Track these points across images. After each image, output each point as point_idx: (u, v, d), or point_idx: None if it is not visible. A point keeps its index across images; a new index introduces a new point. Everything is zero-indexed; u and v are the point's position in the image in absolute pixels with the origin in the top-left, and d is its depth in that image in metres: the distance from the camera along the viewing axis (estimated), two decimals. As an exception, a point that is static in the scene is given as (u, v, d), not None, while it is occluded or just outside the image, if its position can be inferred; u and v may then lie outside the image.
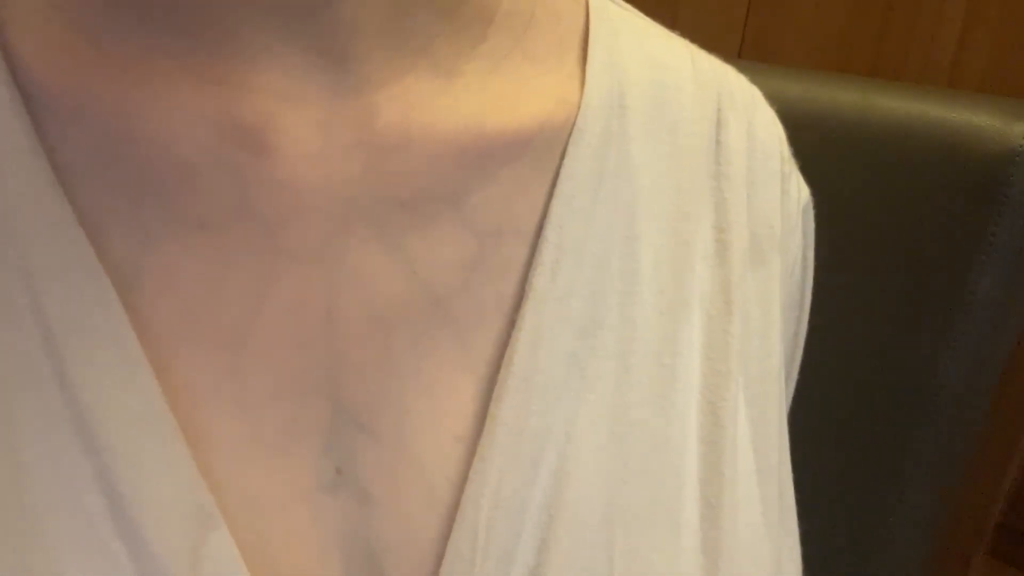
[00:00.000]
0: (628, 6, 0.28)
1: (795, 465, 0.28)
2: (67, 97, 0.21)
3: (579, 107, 0.25)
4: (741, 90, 0.28)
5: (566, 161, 0.24)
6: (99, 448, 0.19)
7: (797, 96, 0.48)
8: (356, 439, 0.21)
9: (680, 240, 0.25)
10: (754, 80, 0.30)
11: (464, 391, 0.22)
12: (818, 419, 0.44)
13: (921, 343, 0.45)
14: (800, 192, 0.29)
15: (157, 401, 0.19)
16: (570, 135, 0.24)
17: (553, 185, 0.24)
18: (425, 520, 0.21)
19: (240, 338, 0.21)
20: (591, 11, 0.27)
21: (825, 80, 0.49)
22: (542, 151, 0.24)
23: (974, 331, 0.44)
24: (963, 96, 0.46)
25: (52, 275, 0.19)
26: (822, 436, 0.47)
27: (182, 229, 0.21)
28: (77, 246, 0.20)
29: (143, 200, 0.21)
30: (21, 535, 0.18)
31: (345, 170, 0.22)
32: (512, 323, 0.23)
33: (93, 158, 0.21)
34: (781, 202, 0.28)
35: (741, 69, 0.30)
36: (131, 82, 0.21)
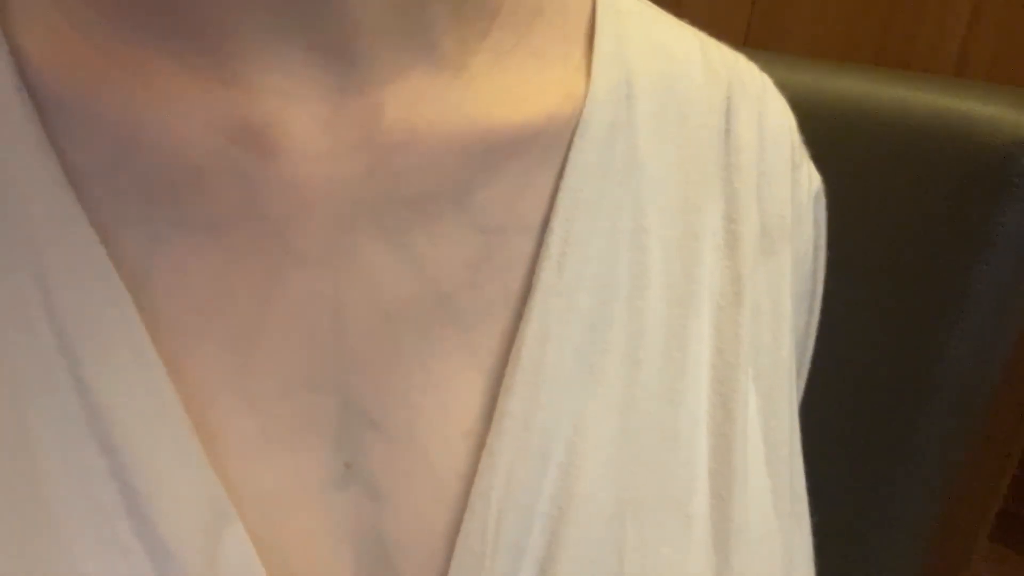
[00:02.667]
0: None
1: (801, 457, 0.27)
2: (76, 100, 0.21)
3: (585, 99, 0.24)
4: (751, 79, 0.28)
5: (572, 154, 0.24)
6: (114, 446, 0.19)
7: (802, 85, 0.48)
8: (365, 435, 0.21)
9: (689, 231, 0.25)
10: (759, 68, 0.29)
11: (472, 386, 0.22)
12: (823, 403, 0.44)
13: (929, 331, 0.45)
14: (811, 181, 0.29)
15: (170, 399, 0.20)
16: (576, 128, 0.24)
17: (559, 179, 0.24)
18: (435, 514, 0.21)
19: (250, 337, 0.21)
20: (598, 2, 0.26)
21: (831, 69, 0.49)
22: (548, 145, 0.24)
23: (981, 319, 0.44)
24: (970, 85, 0.46)
25: (65, 276, 0.20)
26: (826, 420, 0.47)
27: (191, 230, 0.21)
28: (89, 247, 0.20)
29: (152, 201, 0.21)
30: (39, 533, 0.19)
31: (351, 169, 0.22)
32: (519, 318, 0.23)
33: (102, 160, 0.21)
34: (792, 191, 0.28)
35: (746, 57, 0.29)
36: (138, 85, 0.21)
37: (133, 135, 0.21)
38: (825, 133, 0.45)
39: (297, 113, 0.21)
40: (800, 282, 0.29)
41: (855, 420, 0.47)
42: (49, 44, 0.21)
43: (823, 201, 0.30)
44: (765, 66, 0.30)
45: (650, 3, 0.29)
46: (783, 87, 0.30)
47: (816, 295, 0.31)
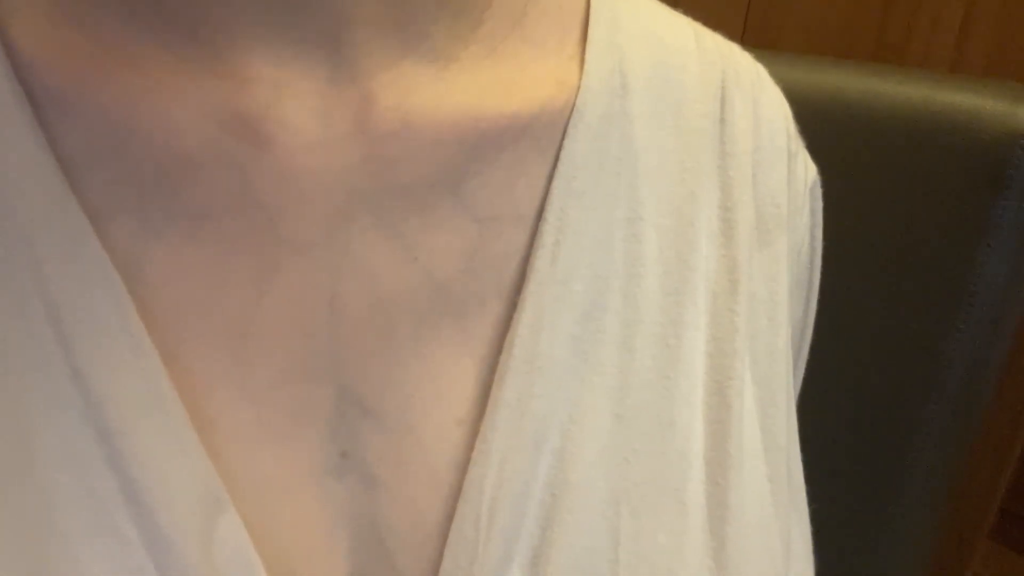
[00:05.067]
0: None
1: (800, 449, 0.27)
2: (69, 90, 0.21)
3: (579, 89, 0.24)
4: (746, 68, 0.28)
5: (566, 143, 0.24)
6: (110, 434, 0.19)
7: (800, 82, 0.48)
8: (361, 424, 0.21)
9: (685, 220, 0.25)
10: (755, 65, 0.29)
11: (466, 375, 0.22)
12: (823, 402, 0.45)
13: (926, 327, 0.45)
14: (807, 171, 0.29)
15: (165, 388, 0.20)
16: (570, 117, 0.24)
17: (553, 168, 0.24)
18: (430, 502, 0.21)
19: (244, 326, 0.21)
20: None
21: (828, 66, 0.49)
22: (542, 134, 0.24)
23: (980, 314, 0.44)
24: (967, 80, 0.46)
25: (59, 266, 0.20)
26: (826, 420, 0.47)
27: (185, 220, 0.21)
28: (83, 237, 0.20)
29: (145, 191, 0.21)
30: (35, 521, 0.19)
31: (344, 158, 0.22)
32: (514, 307, 0.23)
33: (95, 150, 0.21)
34: (787, 180, 0.28)
35: (743, 53, 0.30)
36: (131, 75, 0.21)
37: (126, 125, 0.21)
38: (822, 129, 0.45)
39: (290, 103, 0.21)
40: (797, 272, 0.29)
41: (854, 415, 0.47)
42: (42, 33, 0.21)
43: (819, 191, 0.30)
44: (762, 63, 0.30)
45: None
46: (780, 85, 0.30)
47: (813, 285, 0.31)
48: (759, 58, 0.30)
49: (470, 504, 0.21)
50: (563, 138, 0.24)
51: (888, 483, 0.47)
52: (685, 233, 0.25)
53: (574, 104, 0.24)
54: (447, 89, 0.23)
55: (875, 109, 0.46)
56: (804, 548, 0.27)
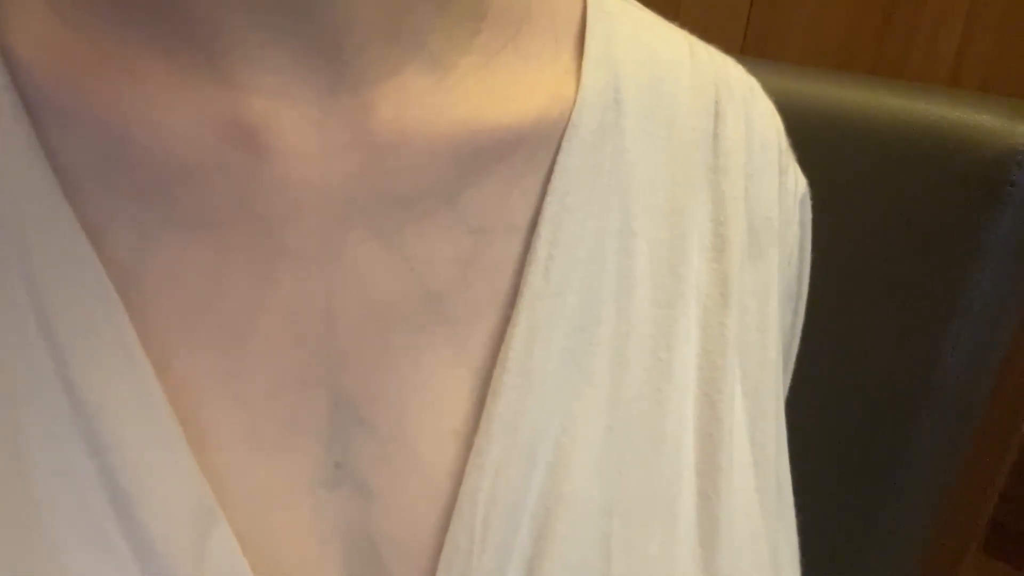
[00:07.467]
0: None
1: (790, 459, 0.28)
2: (66, 99, 0.21)
3: (574, 102, 0.25)
4: (739, 81, 0.28)
5: (560, 157, 0.24)
6: (102, 447, 0.19)
7: (799, 94, 0.48)
8: (355, 434, 0.21)
9: (676, 233, 0.25)
10: (756, 77, 0.30)
11: (461, 386, 0.22)
12: (814, 413, 0.45)
13: (920, 341, 0.45)
14: (797, 184, 0.29)
15: (158, 399, 0.20)
16: (565, 130, 0.24)
17: (547, 181, 0.24)
18: (424, 513, 0.21)
19: (240, 335, 0.21)
20: (588, 4, 0.27)
21: (827, 78, 0.49)
22: (537, 147, 0.24)
23: (973, 329, 0.44)
24: (965, 95, 0.46)
25: (54, 276, 0.20)
26: (818, 430, 0.47)
27: (182, 229, 0.21)
28: (78, 247, 0.20)
29: (143, 200, 0.21)
30: (27, 534, 0.19)
31: (342, 169, 0.22)
32: (507, 319, 0.23)
33: (92, 160, 0.21)
34: (779, 194, 0.28)
35: (743, 66, 0.30)
36: (129, 84, 0.21)
37: (124, 134, 0.21)
38: (821, 141, 0.45)
39: (288, 113, 0.21)
40: (786, 283, 0.29)
41: (846, 427, 0.47)
42: (40, 42, 0.21)
43: (808, 204, 0.30)
44: (761, 75, 0.30)
45: (640, 6, 0.29)
46: (779, 96, 0.30)
47: (801, 297, 0.31)
48: (758, 69, 0.30)
49: (464, 516, 0.21)
50: (557, 151, 0.24)
51: (879, 494, 0.47)
52: (677, 247, 0.25)
53: (569, 118, 0.24)
54: (444, 100, 0.23)
55: (873, 122, 0.46)
56: (791, 558, 0.27)
